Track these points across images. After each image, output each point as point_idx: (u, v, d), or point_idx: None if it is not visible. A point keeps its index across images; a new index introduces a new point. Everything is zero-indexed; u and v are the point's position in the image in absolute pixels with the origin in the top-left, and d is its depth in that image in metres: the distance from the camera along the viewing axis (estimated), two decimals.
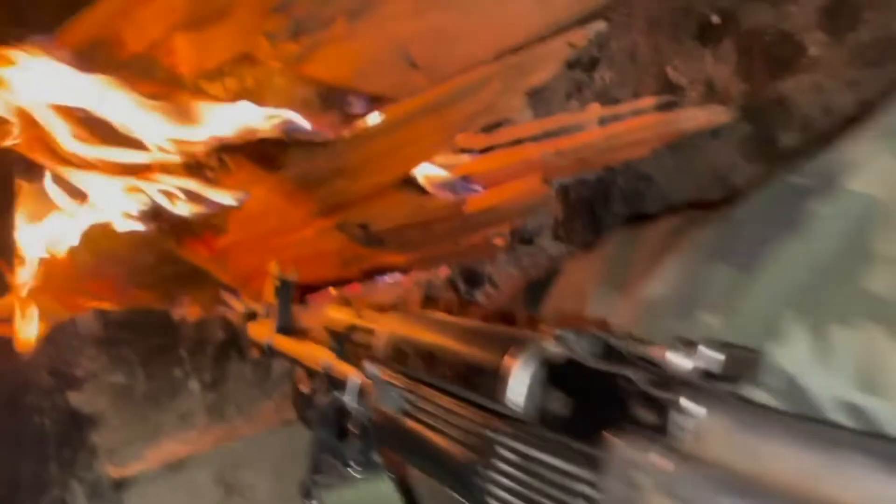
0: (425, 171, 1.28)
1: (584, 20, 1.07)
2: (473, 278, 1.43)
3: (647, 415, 0.33)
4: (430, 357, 0.50)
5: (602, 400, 0.36)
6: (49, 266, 1.52)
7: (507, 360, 0.42)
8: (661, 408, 0.32)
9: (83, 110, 1.29)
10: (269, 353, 0.86)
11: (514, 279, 1.27)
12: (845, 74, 1.08)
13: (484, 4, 1.07)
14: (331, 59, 1.20)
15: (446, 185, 1.33)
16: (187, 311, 1.30)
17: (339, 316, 0.68)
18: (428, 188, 1.27)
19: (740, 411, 0.30)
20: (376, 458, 0.56)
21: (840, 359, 0.33)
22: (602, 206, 1.27)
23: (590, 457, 0.35)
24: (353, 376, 0.58)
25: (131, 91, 1.27)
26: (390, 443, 0.54)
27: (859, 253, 0.33)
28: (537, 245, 1.36)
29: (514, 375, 0.41)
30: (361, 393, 0.58)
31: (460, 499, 0.44)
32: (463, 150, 1.35)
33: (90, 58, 1.28)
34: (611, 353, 0.37)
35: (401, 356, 0.54)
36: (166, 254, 1.57)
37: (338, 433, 0.60)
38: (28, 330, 1.32)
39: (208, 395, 1.19)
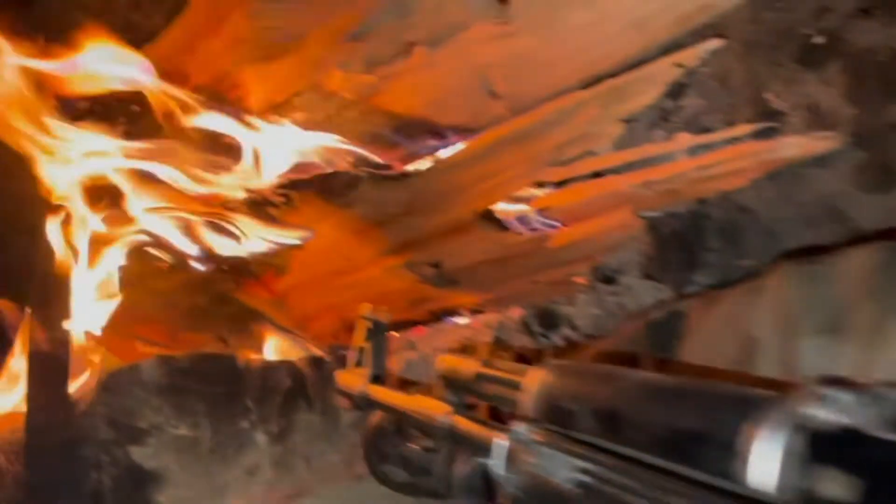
0: (502, 206, 1.20)
1: (687, 40, 1.00)
2: (550, 320, 1.34)
3: None
4: (612, 418, 0.42)
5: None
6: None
7: (746, 427, 0.33)
8: None
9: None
10: (363, 404, 0.77)
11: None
12: None
13: (574, 28, 1.00)
14: (405, 90, 1.14)
15: (524, 220, 1.25)
16: (252, 356, 1.22)
17: (462, 365, 0.60)
18: (507, 223, 1.19)
19: None
20: None
21: None
22: (696, 241, 1.18)
23: None
24: (499, 438, 0.49)
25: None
26: None
27: None
28: (620, 284, 1.27)
29: (760, 448, 0.33)
30: (512, 458, 0.49)
31: None
32: (538, 184, 1.27)
33: None
34: None
35: (566, 416, 0.45)
36: (222, 296, 1.51)
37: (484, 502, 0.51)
38: (85, 376, 1.25)
39: (275, 447, 1.11)
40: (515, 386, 0.51)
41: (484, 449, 0.52)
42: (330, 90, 1.16)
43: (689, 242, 1.18)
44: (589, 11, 0.98)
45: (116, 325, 1.53)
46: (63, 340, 1.22)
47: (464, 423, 0.57)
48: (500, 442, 0.49)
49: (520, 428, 0.48)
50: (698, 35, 1.00)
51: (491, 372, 0.55)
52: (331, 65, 1.13)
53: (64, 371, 1.20)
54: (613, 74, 1.00)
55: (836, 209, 1.08)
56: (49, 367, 1.22)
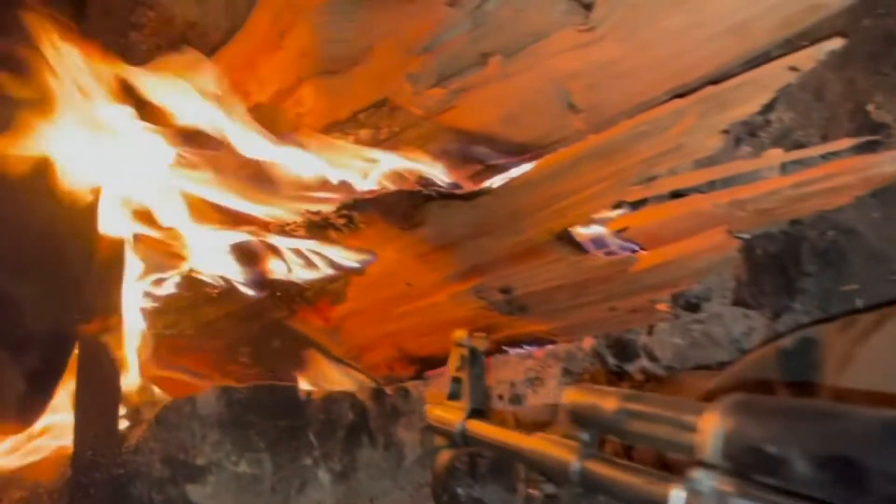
0: (579, 227, 1.12)
1: (800, 42, 0.92)
2: (626, 350, 1.25)
3: None
4: (844, 466, 0.33)
5: None
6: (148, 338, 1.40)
7: None
8: None
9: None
10: (462, 442, 0.69)
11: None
12: None
13: (665, 34, 0.93)
14: (478, 104, 1.08)
15: (600, 242, 1.17)
16: (313, 387, 1.15)
17: (599, 398, 0.51)
18: (586, 246, 1.11)
19: None
20: None
21: None
22: (791, 265, 1.09)
23: None
24: (674, 488, 0.41)
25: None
26: None
27: None
28: (707, 311, 1.18)
29: None
30: None
31: None
32: (613, 205, 1.19)
33: None
34: None
35: (764, 462, 0.37)
36: (273, 324, 1.44)
37: None
38: (137, 408, 1.19)
39: (338, 486, 1.03)
40: (684, 424, 0.43)
41: (643, 501, 0.44)
42: (397, 105, 1.10)
43: (783, 266, 1.09)
44: (683, 16, 0.91)
45: (161, 355, 1.47)
46: (113, 372, 1.16)
47: (610, 469, 0.49)
48: (678, 493, 0.40)
49: (699, 475, 0.40)
50: (812, 36, 0.92)
51: (642, 408, 0.47)
52: (399, 78, 1.07)
53: (114, 404, 1.14)
54: (714, 81, 0.92)
55: None
56: (98, 400, 1.15)
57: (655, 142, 0.96)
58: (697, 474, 0.40)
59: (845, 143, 1.06)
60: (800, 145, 1.11)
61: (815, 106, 1.11)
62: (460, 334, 0.73)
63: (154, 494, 1.00)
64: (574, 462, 0.51)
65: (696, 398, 0.82)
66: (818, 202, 1.06)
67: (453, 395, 0.72)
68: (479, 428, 0.67)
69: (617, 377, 1.28)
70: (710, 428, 0.40)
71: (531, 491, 0.59)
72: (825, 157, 1.08)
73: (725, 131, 0.95)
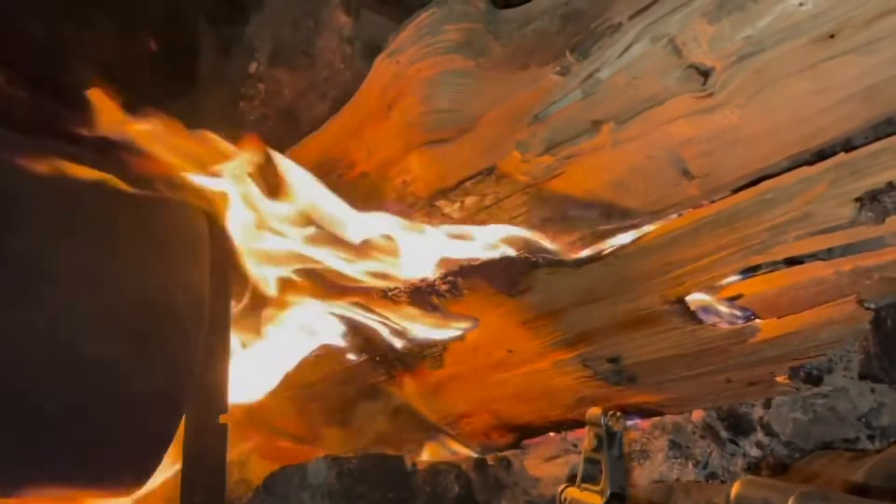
0: (694, 295, 1.09)
1: None
2: (740, 424, 1.19)
3: None
4: None
5: None
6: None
7: None
8: None
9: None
10: None
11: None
12: None
13: (788, 100, 0.91)
14: (587, 171, 1.07)
15: (710, 311, 1.13)
16: (419, 457, 1.13)
17: (769, 494, 0.48)
18: (700, 315, 1.07)
19: None
20: None
21: None
22: None
23: None
24: None
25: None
26: None
27: None
28: (828, 384, 1.11)
29: None
30: None
31: None
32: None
33: (318, 177, 1.21)
34: None
35: None
36: (370, 388, 1.44)
37: None
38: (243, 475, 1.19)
39: None
40: None
41: None
42: (504, 173, 1.10)
43: None
44: (808, 82, 0.89)
45: (257, 418, 1.47)
46: (220, 437, 1.17)
47: None
48: None
49: None
50: None
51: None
52: (508, 146, 1.07)
53: (221, 471, 1.14)
54: (847, 149, 0.89)
55: None
56: (204, 467, 1.16)
57: (781, 210, 0.93)
58: None
59: None
60: None
61: None
62: (595, 412, 0.70)
63: None
64: None
65: (840, 487, 0.76)
66: None
67: (587, 478, 0.69)
68: None
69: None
70: None
71: None
72: None
73: (858, 199, 0.91)
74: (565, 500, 0.71)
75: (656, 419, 1.27)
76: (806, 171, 0.91)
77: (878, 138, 0.88)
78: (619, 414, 0.71)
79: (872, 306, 1.04)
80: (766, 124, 0.94)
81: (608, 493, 0.67)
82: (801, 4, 0.87)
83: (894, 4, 0.82)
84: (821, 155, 0.92)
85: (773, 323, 1.05)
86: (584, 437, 0.71)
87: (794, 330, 1.04)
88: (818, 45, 0.87)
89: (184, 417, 1.16)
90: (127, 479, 1.13)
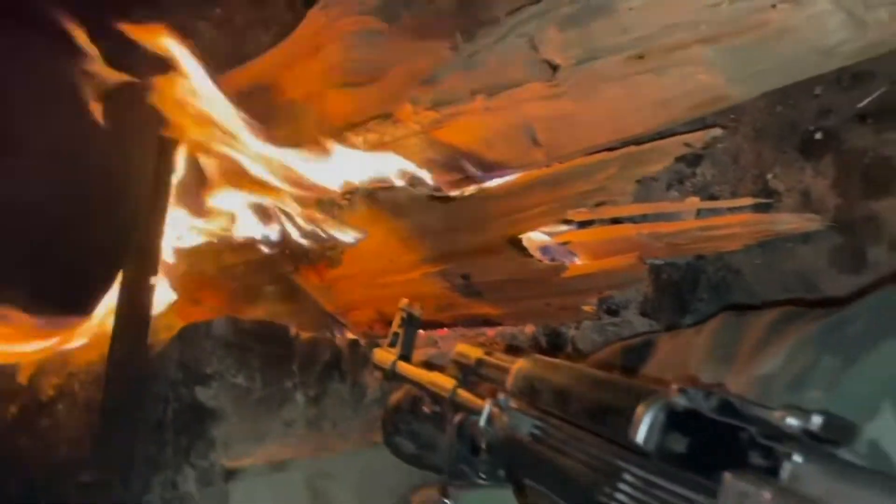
0: (530, 235, 1.41)
1: (698, 123, 1.20)
2: (557, 339, 1.54)
3: (761, 460, 0.43)
4: (564, 395, 0.62)
5: (720, 445, 0.46)
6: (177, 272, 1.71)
7: (640, 405, 0.53)
8: (775, 456, 0.42)
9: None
10: (391, 376, 0.98)
11: (602, 345, 1.37)
12: None
13: (609, 99, 1.20)
14: (463, 128, 1.36)
15: (547, 250, 1.46)
16: (301, 329, 1.45)
17: (469, 351, 0.80)
18: (531, 251, 1.39)
19: (835, 465, 0.40)
20: (501, 471, 0.68)
21: None
22: (689, 291, 1.37)
23: (707, 488, 0.45)
24: (487, 404, 0.70)
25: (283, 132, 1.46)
26: (517, 461, 0.65)
27: None
28: (623, 317, 1.46)
29: (644, 418, 0.52)
30: (491, 418, 0.69)
31: None
32: (565, 221, 1.47)
33: (252, 96, 1.47)
34: (728, 409, 0.48)
35: (533, 392, 0.66)
36: (280, 276, 1.74)
37: (470, 448, 0.72)
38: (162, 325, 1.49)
39: (310, 408, 1.33)
40: (505, 370, 0.71)
41: (476, 412, 0.73)
42: (400, 119, 1.38)
43: (683, 291, 1.37)
44: (623, 89, 1.19)
45: (184, 288, 1.77)
46: (148, 293, 1.47)
47: (463, 394, 0.78)
48: (487, 406, 0.69)
49: (502, 398, 0.68)
50: (707, 122, 1.20)
51: (489, 359, 0.76)
52: (404, 99, 1.35)
53: (146, 320, 1.44)
54: (635, 143, 1.20)
55: (811, 282, 1.26)
56: (133, 314, 1.46)
57: (588, 181, 1.24)
58: (501, 396, 0.68)
59: (747, 201, 1.34)
60: (713, 197, 1.38)
61: (731, 168, 1.38)
62: (403, 302, 1.01)
63: (169, 391, 1.30)
64: (448, 389, 0.80)
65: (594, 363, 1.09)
66: (718, 244, 1.34)
67: (392, 345, 1.00)
68: (403, 367, 0.95)
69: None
70: (513, 372, 0.69)
71: (426, 408, 0.88)
72: (731, 209, 1.35)
73: (639, 181, 1.22)
74: (374, 355, 1.02)
75: (499, 328, 1.61)
76: (607, 155, 1.21)
77: (658, 139, 1.19)
78: (418, 305, 1.01)
79: (657, 262, 1.38)
80: (592, 116, 1.24)
81: (400, 354, 0.98)
82: (623, 31, 1.16)
83: (683, 42, 1.12)
84: (618, 145, 1.22)
85: (580, 264, 1.38)
86: (395, 317, 1.02)
87: (598, 271, 1.37)
88: (631, 63, 1.16)
89: (121, 274, 1.45)
90: (74, 311, 1.44)
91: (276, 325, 1.36)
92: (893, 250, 1.19)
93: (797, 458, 0.41)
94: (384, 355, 0.99)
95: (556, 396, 0.63)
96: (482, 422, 0.70)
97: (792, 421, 0.41)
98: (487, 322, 1.59)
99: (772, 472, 0.41)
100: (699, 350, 0.72)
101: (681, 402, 0.50)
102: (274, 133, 1.46)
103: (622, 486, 0.52)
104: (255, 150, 1.48)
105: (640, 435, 0.50)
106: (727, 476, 0.43)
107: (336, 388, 1.38)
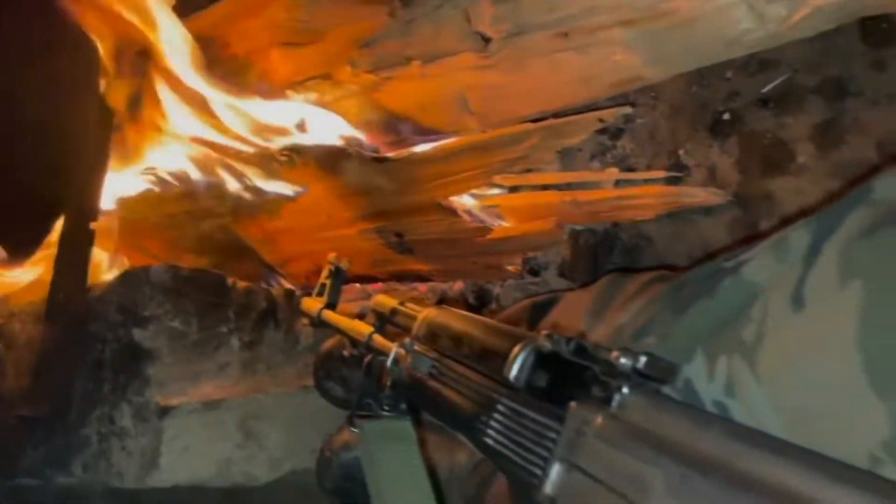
0: (461, 198, 1.49)
1: (616, 100, 1.29)
2: (483, 295, 1.64)
3: (599, 393, 0.53)
4: (458, 340, 0.71)
5: (572, 380, 0.56)
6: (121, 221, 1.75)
7: (515, 348, 0.62)
8: (609, 389, 0.51)
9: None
10: (318, 323, 1.05)
11: (520, 301, 1.48)
12: (824, 184, 1.29)
13: (538, 74, 1.28)
14: (399, 92, 1.42)
15: (475, 212, 1.55)
16: (238, 279, 1.51)
17: (387, 302, 0.89)
18: (459, 212, 1.48)
19: (655, 398, 0.49)
20: (403, 405, 0.77)
21: (718, 375, 0.53)
22: (604, 255, 1.48)
23: (558, 415, 0.55)
24: (395, 347, 0.79)
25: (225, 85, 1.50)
26: (417, 396, 0.74)
27: (742, 315, 0.54)
28: (543, 278, 1.56)
29: (517, 359, 0.61)
30: (398, 359, 0.78)
31: (464, 436, 0.65)
32: (494, 185, 1.56)
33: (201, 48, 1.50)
34: (582, 352, 0.57)
35: (434, 337, 0.75)
36: (221, 227, 1.79)
37: (377, 385, 0.81)
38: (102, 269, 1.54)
39: (244, 352, 1.40)
40: (414, 318, 0.80)
41: (386, 353, 0.81)
42: (339, 80, 1.43)
43: (599, 255, 1.48)
44: (548, 63, 1.27)
45: (126, 235, 1.81)
46: (88, 238, 1.51)
47: (377, 338, 0.86)
48: (395, 349, 0.78)
49: (408, 342, 0.77)
50: (629, 99, 1.29)
51: (401, 308, 0.84)
52: (343, 61, 1.41)
53: (85, 264, 1.48)
54: (556, 116, 1.29)
55: (710, 250, 1.38)
56: (73, 258, 1.50)
57: (512, 150, 1.33)
58: (407, 341, 0.77)
59: (660, 173, 1.44)
60: (631, 169, 1.49)
61: (648, 142, 1.49)
62: (333, 255, 1.08)
63: (108, 332, 1.36)
64: (365, 334, 0.88)
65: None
66: (633, 213, 1.44)
67: (319, 294, 1.07)
68: (328, 315, 1.03)
69: None
70: (421, 319, 0.78)
71: (345, 352, 0.97)
72: (645, 181, 1.46)
73: (560, 152, 1.31)
74: (301, 303, 1.09)
75: (430, 284, 1.71)
76: (531, 125, 1.30)
77: (576, 113, 1.28)
78: (346, 258, 1.09)
79: (577, 228, 1.48)
80: (520, 88, 1.32)
81: (327, 303, 1.06)
82: (551, 9, 1.23)
83: (605, 23, 1.20)
84: (541, 117, 1.31)
85: (508, 227, 1.47)
86: (323, 269, 1.10)
87: (521, 234, 1.46)
88: (557, 40, 1.24)
89: (62, 219, 1.49)
90: (15, 254, 1.47)
91: (214, 274, 1.42)
92: (783, 225, 1.31)
93: (625, 390, 0.50)
94: (311, 303, 1.06)
95: (452, 341, 0.72)
96: (389, 362, 0.79)
97: (624, 360, 0.50)
98: (419, 278, 1.68)
99: (606, 402, 0.51)
100: (585, 304, 0.82)
101: (546, 345, 0.58)
102: (217, 85, 1.49)
103: (495, 415, 0.61)
104: (199, 94, 1.52)
105: (513, 372, 0.59)
106: (572, 405, 0.52)
107: (271, 335, 1.45)
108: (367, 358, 0.85)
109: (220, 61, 1.53)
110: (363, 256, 1.67)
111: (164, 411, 1.28)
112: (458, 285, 1.69)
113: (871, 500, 0.31)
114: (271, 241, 1.75)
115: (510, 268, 1.54)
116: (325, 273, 1.08)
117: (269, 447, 1.38)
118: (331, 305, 1.05)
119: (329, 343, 1.22)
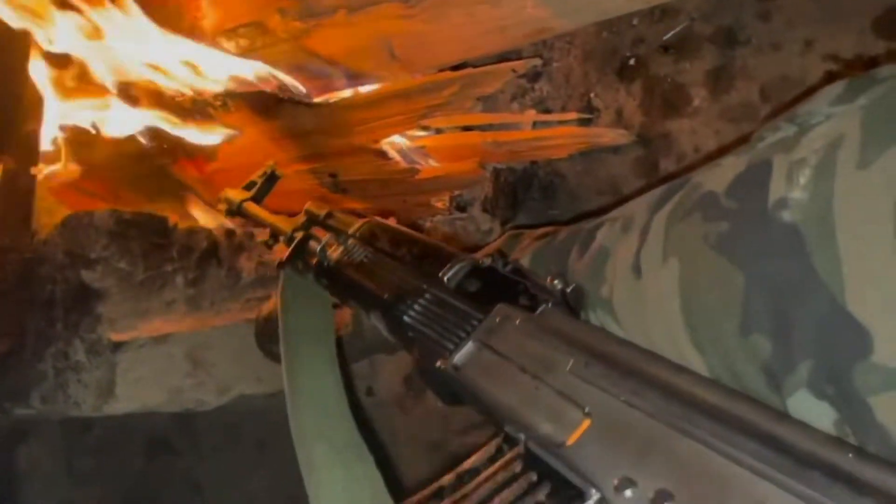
0: (390, 139, 1.59)
1: (539, 48, 1.39)
2: (414, 230, 1.76)
3: (526, 302, 0.60)
4: (398, 241, 0.80)
5: (503, 289, 0.62)
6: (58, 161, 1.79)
7: (454, 258, 0.69)
8: (536, 301, 0.59)
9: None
10: (236, 211, 1.07)
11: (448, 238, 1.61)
12: (715, 125, 1.43)
13: (457, 24, 1.37)
14: (328, 39, 1.49)
15: (404, 153, 1.65)
16: (180, 219, 1.59)
17: (321, 208, 0.98)
18: (389, 153, 1.58)
19: (567, 314, 0.60)
20: (323, 280, 0.88)
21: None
22: (523, 191, 1.61)
23: (483, 307, 0.61)
24: (328, 236, 0.89)
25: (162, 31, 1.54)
26: (336, 281, 0.85)
27: (600, 274, 0.66)
28: (469, 213, 1.69)
29: (455, 266, 0.69)
30: (328, 246, 0.88)
31: (377, 314, 0.74)
32: (422, 127, 1.66)
33: None
34: (517, 271, 0.65)
35: (373, 236, 0.85)
36: (160, 168, 1.85)
37: (303, 262, 0.91)
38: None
39: (190, 289, 1.50)
40: (350, 224, 0.90)
41: (317, 239, 0.91)
42: (269, 28, 1.49)
43: (518, 191, 1.61)
44: (468, 16, 1.35)
45: (67, 178, 1.85)
46: (30, 182, 1.56)
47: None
48: (327, 237, 0.89)
49: (342, 237, 0.88)
50: (547, 43, 1.40)
51: (338, 213, 0.94)
52: (273, 9, 1.46)
53: (29, 206, 1.54)
54: (474, 65, 1.38)
55: (617, 186, 1.52)
56: (16, 202, 1.55)
57: (435, 96, 1.42)
58: (343, 236, 0.87)
59: (573, 115, 1.56)
60: (547, 110, 1.60)
61: (564, 85, 1.60)
62: (271, 161, 1.14)
63: (56, 274, 1.44)
64: (290, 231, 0.98)
65: None
66: (549, 152, 1.57)
67: (247, 188, 1.10)
68: (251, 207, 1.06)
69: None
70: (361, 222, 0.88)
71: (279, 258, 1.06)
72: (560, 122, 1.58)
73: (478, 99, 1.41)
74: (224, 193, 1.13)
75: None
76: (451, 74, 1.39)
77: (494, 63, 1.38)
78: (283, 172, 1.15)
79: (498, 166, 1.60)
80: (441, 36, 1.41)
81: (252, 197, 1.10)
82: None
83: None
84: (461, 65, 1.40)
85: (431, 166, 1.58)
86: (259, 169, 1.15)
87: (447, 174, 1.58)
88: None
89: (1, 164, 1.53)
90: None
91: (156, 216, 1.50)
92: (679, 162, 1.46)
93: (549, 305, 0.59)
94: (235, 193, 1.08)
95: (391, 242, 0.81)
96: (320, 247, 0.88)
97: (556, 283, 0.60)
98: (355, 215, 1.78)
99: (531, 310, 0.59)
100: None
101: (485, 262, 0.67)
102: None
103: (421, 300, 0.68)
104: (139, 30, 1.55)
105: (447, 275, 0.68)
106: (500, 305, 0.60)
107: (214, 273, 1.55)
108: (300, 236, 0.94)
109: (152, 8, 1.56)
110: (300, 195, 1.75)
111: (117, 346, 1.38)
112: (392, 221, 1.80)
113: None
114: (210, 182, 1.82)
115: (438, 204, 1.66)
116: (259, 172, 1.13)
117: (217, 375, 1.50)
118: (256, 200, 1.08)
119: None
